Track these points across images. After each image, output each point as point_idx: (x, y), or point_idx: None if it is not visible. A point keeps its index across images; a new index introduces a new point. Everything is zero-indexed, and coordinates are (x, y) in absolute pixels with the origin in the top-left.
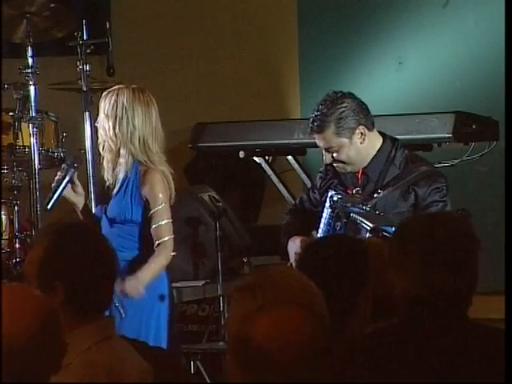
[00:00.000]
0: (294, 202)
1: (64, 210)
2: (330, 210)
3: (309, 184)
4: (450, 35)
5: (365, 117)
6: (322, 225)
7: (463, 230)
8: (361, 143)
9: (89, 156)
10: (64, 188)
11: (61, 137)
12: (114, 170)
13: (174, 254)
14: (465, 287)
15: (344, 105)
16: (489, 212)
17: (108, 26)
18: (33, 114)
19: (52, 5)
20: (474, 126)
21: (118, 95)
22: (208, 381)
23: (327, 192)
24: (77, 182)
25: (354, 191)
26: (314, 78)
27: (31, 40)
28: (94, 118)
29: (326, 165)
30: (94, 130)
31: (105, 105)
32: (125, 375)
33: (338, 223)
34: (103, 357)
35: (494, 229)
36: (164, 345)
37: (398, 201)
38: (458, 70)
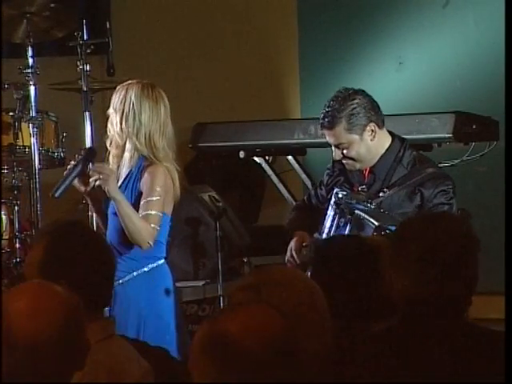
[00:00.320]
0: (302, 198)
1: (64, 210)
2: (334, 207)
3: (309, 184)
4: (449, 35)
5: (376, 114)
6: (325, 221)
7: (463, 231)
8: (371, 140)
9: None
10: (74, 178)
11: (61, 137)
12: (119, 164)
13: (149, 244)
14: (464, 287)
15: (356, 101)
16: (489, 212)
17: (108, 25)
18: (33, 113)
19: (52, 5)
20: (474, 126)
21: (127, 90)
22: None
23: (333, 189)
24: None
25: (359, 189)
26: (314, 78)
27: (31, 40)
28: (94, 118)
29: (334, 162)
30: (94, 130)
31: (114, 99)
32: (125, 375)
33: (342, 220)
34: (103, 356)
35: (493, 229)
36: (172, 343)
37: (403, 201)
38: (458, 70)
